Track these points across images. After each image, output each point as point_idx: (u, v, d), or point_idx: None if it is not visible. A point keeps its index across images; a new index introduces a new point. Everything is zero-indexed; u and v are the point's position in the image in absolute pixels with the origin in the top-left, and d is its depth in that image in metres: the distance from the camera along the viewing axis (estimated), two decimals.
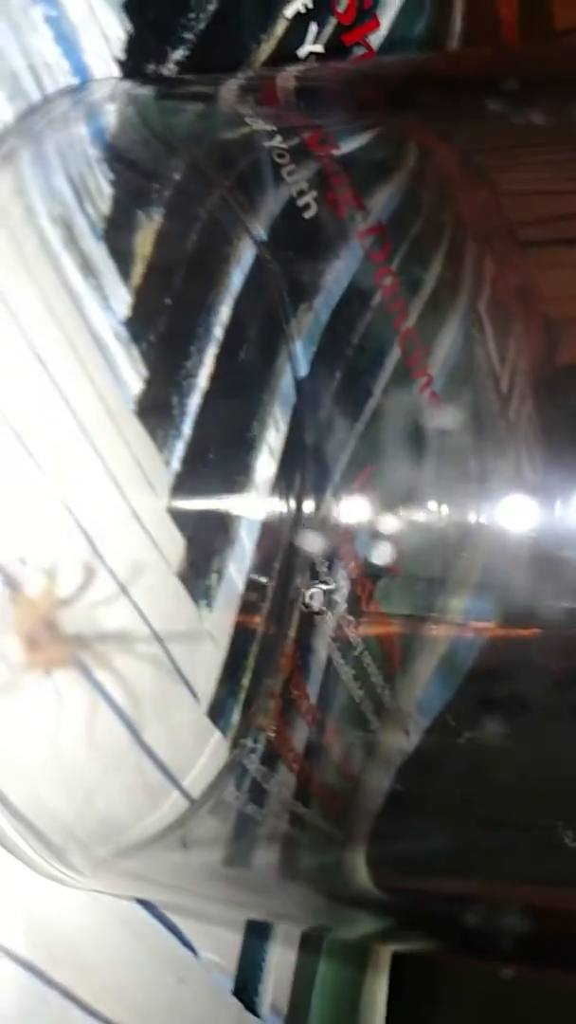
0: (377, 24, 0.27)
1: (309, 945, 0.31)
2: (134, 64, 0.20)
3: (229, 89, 0.21)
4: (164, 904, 0.23)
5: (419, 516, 0.29)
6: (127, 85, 0.19)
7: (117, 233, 0.20)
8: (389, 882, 0.22)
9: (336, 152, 0.24)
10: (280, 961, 0.30)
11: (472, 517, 0.28)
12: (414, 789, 0.26)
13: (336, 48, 0.26)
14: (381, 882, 0.22)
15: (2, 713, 0.16)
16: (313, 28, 0.25)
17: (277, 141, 0.23)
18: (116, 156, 0.19)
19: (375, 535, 0.29)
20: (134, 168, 0.20)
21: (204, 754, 0.24)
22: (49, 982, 0.19)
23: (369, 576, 0.29)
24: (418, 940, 0.24)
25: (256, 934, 0.28)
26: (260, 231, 0.24)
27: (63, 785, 0.18)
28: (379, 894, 0.22)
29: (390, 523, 0.29)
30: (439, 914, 0.20)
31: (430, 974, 0.35)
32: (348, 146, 0.24)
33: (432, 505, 0.28)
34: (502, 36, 0.34)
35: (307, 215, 0.24)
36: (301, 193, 0.24)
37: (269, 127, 0.22)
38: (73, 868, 0.19)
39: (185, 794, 0.23)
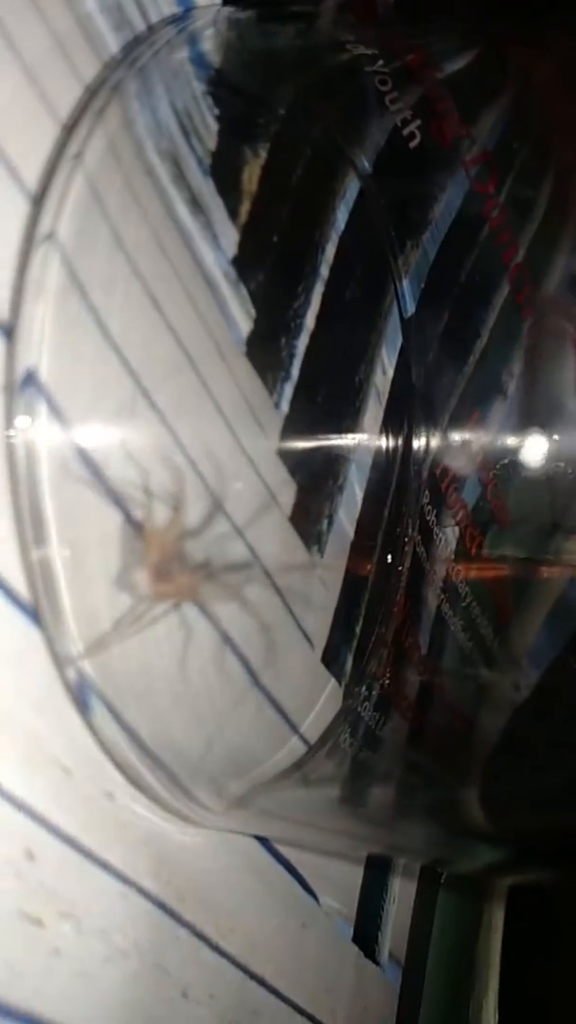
0: None
1: (425, 900, 0.31)
2: None
3: (328, 6, 0.20)
4: (288, 841, 0.23)
5: (528, 461, 0.28)
6: (228, 10, 0.19)
7: (224, 169, 0.20)
8: (502, 819, 0.22)
9: (439, 75, 0.23)
10: (398, 910, 0.29)
11: None
12: (528, 733, 0.26)
13: None
14: (495, 818, 0.22)
15: (133, 646, 0.16)
16: None
17: (379, 65, 0.22)
18: (219, 82, 0.18)
19: (483, 481, 0.28)
20: (237, 96, 0.19)
21: (320, 700, 0.24)
22: (179, 920, 0.19)
23: (477, 524, 0.29)
24: (534, 870, 0.24)
25: (375, 882, 0.28)
26: (365, 164, 0.24)
27: (192, 719, 0.18)
28: (493, 830, 0.22)
29: (499, 468, 0.28)
30: (556, 845, 0.20)
31: (546, 927, 0.35)
32: (451, 66, 0.23)
33: (542, 449, 0.27)
34: None
35: (412, 144, 0.23)
36: (406, 122, 0.23)
37: (370, 51, 0.21)
38: (201, 804, 0.19)
39: (303, 739, 0.23)
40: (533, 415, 0.25)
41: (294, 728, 0.23)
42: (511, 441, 0.28)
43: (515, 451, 0.27)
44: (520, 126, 0.24)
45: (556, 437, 0.25)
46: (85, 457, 0.15)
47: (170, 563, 0.15)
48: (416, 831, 0.21)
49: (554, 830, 0.19)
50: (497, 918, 0.34)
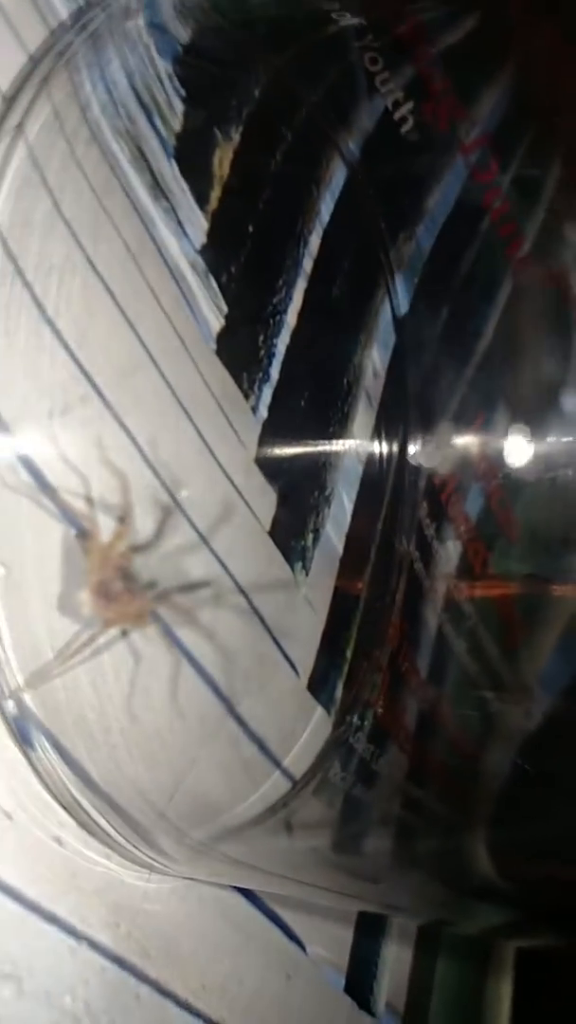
0: None
1: (426, 942, 0.29)
2: None
3: None
4: (267, 893, 0.21)
5: (539, 472, 0.26)
6: None
7: (191, 152, 0.18)
8: (515, 870, 0.20)
9: (434, 49, 0.21)
10: (396, 956, 0.27)
11: None
12: (543, 767, 0.24)
13: None
14: (506, 870, 0.19)
15: (79, 677, 0.14)
16: None
17: (368, 40, 0.20)
18: (186, 52, 0.17)
19: (487, 491, 0.26)
20: (206, 69, 0.18)
21: (306, 731, 0.22)
22: (141, 977, 0.18)
23: (482, 538, 0.27)
24: (547, 934, 0.22)
25: (369, 926, 0.26)
26: (352, 149, 0.22)
27: (147, 758, 0.16)
28: (503, 883, 0.20)
29: (506, 480, 0.26)
30: (572, 904, 0.18)
31: (559, 976, 0.32)
32: (447, 38, 0.21)
33: (555, 460, 0.25)
34: None
35: (404, 129, 0.22)
36: (397, 104, 0.22)
37: (357, 21, 0.19)
38: (164, 853, 0.17)
39: (287, 773, 0.21)
40: (538, 417, 0.23)
41: (276, 762, 0.21)
42: (517, 448, 0.26)
43: (521, 458, 0.25)
44: (523, 106, 0.22)
45: (565, 439, 0.23)
46: (20, 462, 0.13)
47: (114, 583, 0.13)
48: (415, 886, 0.19)
49: (566, 884, 0.17)
50: (507, 959, 0.32)
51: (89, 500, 0.13)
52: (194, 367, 0.18)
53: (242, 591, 0.17)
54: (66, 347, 0.14)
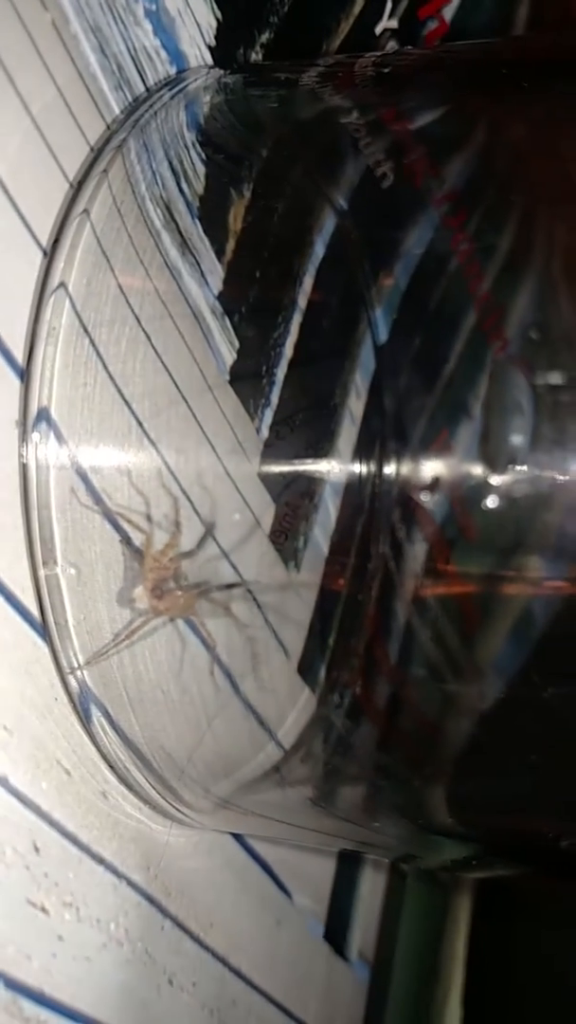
0: None
1: (393, 901, 0.33)
2: (225, 49, 0.21)
3: (310, 76, 0.22)
4: (266, 837, 0.24)
5: (493, 479, 0.29)
6: (219, 73, 0.20)
7: (212, 211, 0.21)
8: (467, 819, 0.23)
9: (411, 126, 0.24)
10: (367, 910, 0.31)
11: (548, 478, 0.28)
12: (493, 738, 0.27)
13: (410, 22, 0.27)
14: (460, 819, 0.23)
15: (129, 657, 0.17)
16: (388, 4, 0.26)
17: (354, 117, 0.23)
18: (208, 140, 0.20)
19: (451, 498, 0.30)
20: (224, 150, 0.21)
21: (295, 707, 0.26)
22: (165, 913, 0.21)
23: (445, 539, 0.30)
24: (496, 867, 0.26)
25: (346, 882, 0.30)
26: (341, 201, 0.25)
27: (181, 724, 0.19)
28: (460, 829, 0.24)
29: (466, 486, 0.30)
30: (517, 845, 0.22)
31: (510, 925, 0.36)
32: (422, 120, 0.25)
33: (507, 467, 0.29)
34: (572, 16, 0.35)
35: (385, 184, 0.25)
36: (378, 163, 0.25)
37: (347, 103, 0.23)
38: (186, 804, 0.20)
39: (279, 744, 0.25)
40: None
41: (271, 734, 0.24)
42: (477, 463, 0.30)
43: (481, 473, 0.29)
44: (487, 171, 0.26)
45: (517, 464, 0.27)
46: (90, 484, 0.16)
47: (166, 582, 0.16)
48: (385, 828, 0.23)
49: (515, 831, 0.21)
50: (462, 916, 0.36)
51: (148, 517, 0.16)
52: (212, 398, 0.21)
53: (252, 591, 0.21)
54: (122, 392, 0.17)
